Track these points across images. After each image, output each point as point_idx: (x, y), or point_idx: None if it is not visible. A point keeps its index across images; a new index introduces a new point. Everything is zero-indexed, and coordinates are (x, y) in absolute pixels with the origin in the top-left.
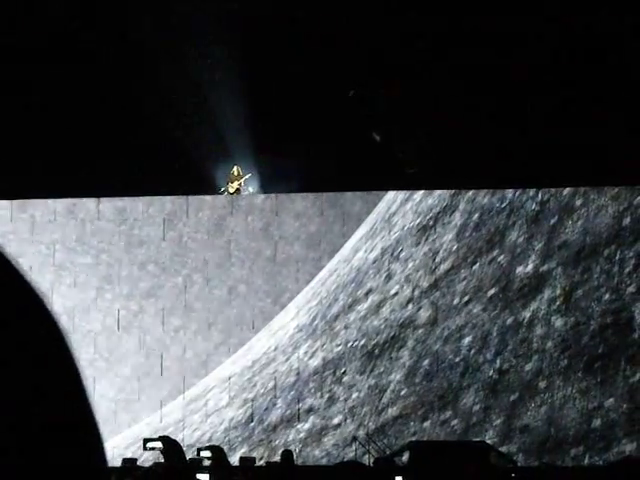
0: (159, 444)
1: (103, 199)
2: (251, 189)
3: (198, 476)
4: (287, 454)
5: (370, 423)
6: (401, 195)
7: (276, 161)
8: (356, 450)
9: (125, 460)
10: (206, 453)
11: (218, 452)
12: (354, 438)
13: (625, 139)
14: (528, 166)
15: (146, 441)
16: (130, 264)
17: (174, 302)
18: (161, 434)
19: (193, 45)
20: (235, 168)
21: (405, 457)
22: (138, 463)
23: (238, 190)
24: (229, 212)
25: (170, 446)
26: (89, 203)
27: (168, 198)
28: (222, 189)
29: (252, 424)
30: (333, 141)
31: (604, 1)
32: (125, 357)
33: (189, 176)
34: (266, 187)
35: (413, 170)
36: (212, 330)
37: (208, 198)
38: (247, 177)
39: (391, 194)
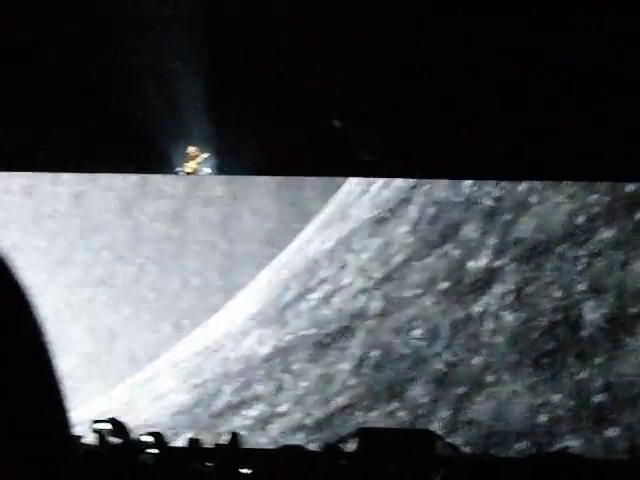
0: (107, 425)
1: (61, 181)
2: (208, 170)
3: (144, 457)
4: (235, 437)
5: (317, 412)
6: (358, 187)
7: (234, 142)
8: (305, 437)
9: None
10: (147, 438)
11: (159, 438)
12: (303, 426)
13: (584, 136)
14: (485, 158)
15: (94, 422)
16: (85, 250)
17: (126, 291)
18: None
19: (150, 23)
20: (192, 148)
21: (353, 444)
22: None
23: (195, 170)
24: (187, 203)
25: (118, 427)
26: (46, 185)
27: (127, 185)
28: (179, 169)
29: (198, 410)
30: (291, 124)
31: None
32: (73, 344)
33: (146, 156)
34: (223, 168)
35: (370, 157)
36: (163, 323)
37: (167, 187)
38: (204, 157)
39: (348, 186)
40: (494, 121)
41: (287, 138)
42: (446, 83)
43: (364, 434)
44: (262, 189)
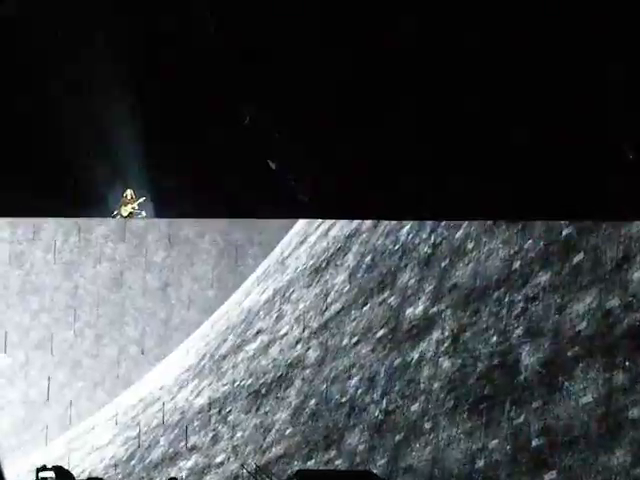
0: (51, 473)
1: (0, 240)
2: (144, 213)
3: None
4: None
5: (254, 462)
6: (296, 238)
7: (170, 185)
8: None
9: None
10: (47, 474)
11: (62, 472)
12: (242, 466)
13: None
14: (423, 199)
15: (39, 470)
16: (23, 311)
17: (62, 356)
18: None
19: (86, 64)
20: (128, 191)
21: None
22: None
23: (131, 214)
24: (128, 267)
25: (62, 476)
26: None
27: (68, 246)
28: (115, 212)
29: (133, 462)
30: (227, 167)
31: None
32: (7, 410)
33: (81, 198)
34: (160, 211)
35: (307, 197)
36: (98, 390)
37: (108, 250)
38: (141, 201)
39: (287, 239)
40: (432, 162)
41: (223, 181)
42: (384, 122)
43: (303, 476)
44: (203, 256)
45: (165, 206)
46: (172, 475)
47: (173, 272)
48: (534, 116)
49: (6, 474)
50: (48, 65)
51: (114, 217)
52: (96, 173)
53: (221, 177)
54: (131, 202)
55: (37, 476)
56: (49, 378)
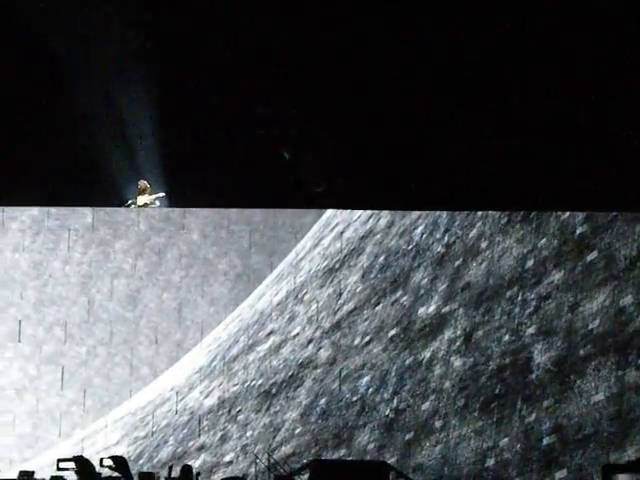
0: (72, 464)
1: (22, 248)
2: (158, 203)
3: None
4: (187, 468)
5: (263, 461)
6: (310, 242)
7: (185, 175)
8: (256, 471)
9: (22, 473)
10: (108, 462)
11: (121, 461)
12: (255, 457)
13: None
14: (440, 190)
15: (59, 461)
16: (37, 324)
17: (74, 373)
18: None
19: (103, 54)
20: (141, 182)
21: (306, 476)
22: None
23: (146, 204)
24: (145, 285)
25: (83, 466)
26: (6, 251)
27: (86, 259)
28: (130, 202)
29: (141, 461)
30: (242, 157)
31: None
32: (13, 425)
33: (98, 188)
34: (174, 201)
35: (321, 188)
36: (106, 410)
37: (126, 266)
38: (160, 195)
39: (301, 242)
40: (447, 153)
41: (237, 171)
42: (397, 113)
43: (316, 465)
44: (221, 278)
45: (179, 196)
46: None
47: (190, 292)
48: (549, 107)
49: (17, 470)
50: (68, 57)
51: (129, 207)
52: (113, 162)
53: (235, 167)
54: (146, 192)
55: (58, 466)
56: (59, 395)
